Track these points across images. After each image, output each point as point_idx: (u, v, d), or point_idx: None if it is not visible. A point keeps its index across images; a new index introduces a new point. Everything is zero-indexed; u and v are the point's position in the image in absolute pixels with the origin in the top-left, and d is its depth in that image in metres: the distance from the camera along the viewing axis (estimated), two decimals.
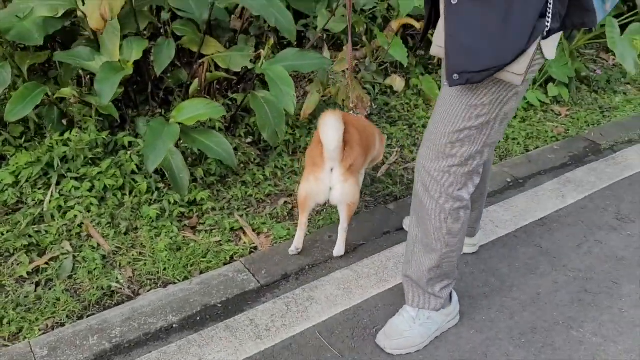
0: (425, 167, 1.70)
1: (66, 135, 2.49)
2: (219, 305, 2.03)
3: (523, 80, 1.47)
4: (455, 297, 1.98)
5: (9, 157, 2.47)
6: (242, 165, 2.81)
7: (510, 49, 1.42)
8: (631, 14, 4.11)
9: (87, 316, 1.96)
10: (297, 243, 2.29)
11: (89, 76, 2.74)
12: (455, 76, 1.49)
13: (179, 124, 2.46)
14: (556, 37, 1.53)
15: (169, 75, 2.92)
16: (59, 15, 2.45)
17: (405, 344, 1.85)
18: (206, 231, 2.43)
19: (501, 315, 2.06)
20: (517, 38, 1.41)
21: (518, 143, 3.36)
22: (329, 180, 2.11)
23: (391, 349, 1.85)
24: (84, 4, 2.44)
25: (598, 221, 2.62)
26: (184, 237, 2.37)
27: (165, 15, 2.78)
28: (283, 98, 2.58)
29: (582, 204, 2.75)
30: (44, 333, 1.87)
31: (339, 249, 2.29)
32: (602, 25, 4.09)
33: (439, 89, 3.81)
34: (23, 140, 2.56)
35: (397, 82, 3.60)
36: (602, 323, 2.04)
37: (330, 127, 2.04)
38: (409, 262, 1.85)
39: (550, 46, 1.52)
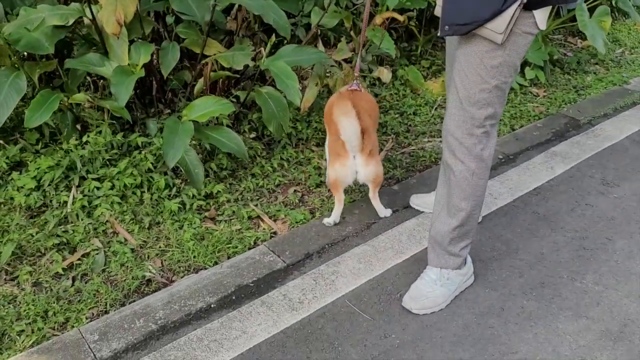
0: (450, 132, 1.90)
1: (84, 138, 2.58)
2: (252, 285, 2.15)
3: (504, 39, 1.71)
4: (469, 259, 2.15)
5: (28, 163, 2.55)
6: (249, 159, 2.94)
7: (488, 8, 1.68)
8: None
9: (129, 303, 2.06)
10: (335, 217, 2.51)
11: (101, 81, 2.83)
12: (446, 27, 1.77)
13: (193, 121, 2.58)
14: (546, 10, 1.76)
15: (172, 76, 3.03)
16: (69, 23, 2.54)
17: (429, 304, 2.03)
18: (225, 221, 2.55)
19: (511, 274, 2.24)
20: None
21: (504, 123, 3.57)
22: (354, 166, 2.35)
23: (417, 310, 2.02)
24: (91, 12, 2.55)
25: (587, 187, 2.83)
26: (206, 227, 2.49)
27: (170, 19, 2.89)
28: (289, 92, 2.73)
29: (570, 173, 2.96)
30: (90, 321, 1.97)
31: (383, 212, 2.57)
32: (569, 11, 4.38)
33: (424, 78, 4.03)
34: (39, 146, 2.64)
35: (384, 73, 3.78)
36: (601, 274, 2.24)
37: (349, 127, 2.24)
38: (434, 223, 2.05)
39: (541, 17, 1.75)
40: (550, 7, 1.78)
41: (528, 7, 1.70)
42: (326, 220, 2.51)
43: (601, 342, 1.91)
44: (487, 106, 1.83)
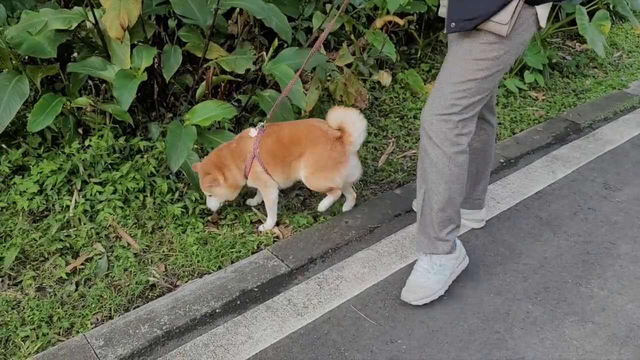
0: (427, 119, 1.96)
1: (86, 142, 2.57)
2: (256, 289, 2.15)
3: (509, 30, 1.77)
4: (458, 242, 2.19)
5: (30, 167, 2.53)
6: None
7: (494, 1, 1.74)
8: (592, 3, 4.43)
9: (134, 308, 2.05)
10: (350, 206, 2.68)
11: (103, 85, 2.82)
12: (453, 24, 1.81)
13: (195, 125, 2.57)
14: (546, 8, 1.83)
15: (174, 80, 3.02)
16: (72, 27, 2.53)
17: (427, 293, 2.07)
18: (228, 225, 2.54)
19: (515, 279, 2.24)
20: None
21: (505, 127, 3.58)
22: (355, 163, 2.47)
23: (416, 301, 2.06)
24: (94, 16, 2.54)
25: (589, 191, 2.84)
26: (209, 232, 2.48)
27: (172, 23, 2.89)
28: (294, 95, 2.73)
29: (572, 177, 2.97)
30: (95, 326, 1.96)
31: (349, 205, 2.67)
32: (568, 14, 4.40)
33: (424, 82, 4.04)
34: (42, 150, 2.63)
35: (384, 77, 3.79)
36: (606, 279, 2.24)
37: (361, 123, 2.35)
38: (419, 211, 2.11)
39: (542, 14, 1.83)
40: (551, 4, 1.83)
41: (531, 1, 1.77)
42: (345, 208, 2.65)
43: (607, 347, 1.92)
44: (472, 95, 1.89)
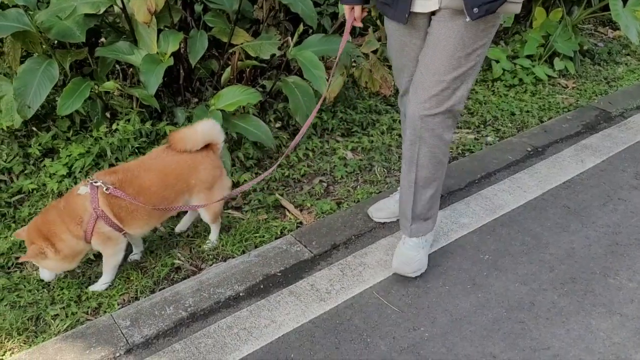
0: (423, 114, 1.90)
1: (113, 126, 2.60)
2: (279, 274, 2.16)
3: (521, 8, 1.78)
4: None
5: (59, 150, 2.58)
6: (275, 149, 2.94)
7: None
8: None
9: (159, 290, 2.08)
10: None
11: (130, 69, 2.85)
12: (476, 9, 1.70)
13: (221, 110, 2.58)
14: None
15: (200, 65, 3.03)
16: (101, 12, 2.55)
17: (421, 265, 2.14)
18: (252, 210, 2.55)
19: (542, 268, 2.21)
20: None
21: (532, 115, 3.51)
22: None
23: (412, 272, 2.12)
24: (122, 0, 2.56)
25: (619, 181, 2.78)
26: (233, 216, 2.50)
27: (198, 8, 2.89)
28: (316, 81, 2.72)
29: (602, 167, 2.90)
30: (122, 307, 2.00)
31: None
32: (601, 0, 4.27)
33: None
34: (70, 133, 2.67)
35: None
36: (635, 270, 2.19)
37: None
38: (408, 202, 2.10)
39: None
40: None
41: None
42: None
43: (636, 340, 1.88)
44: (466, 82, 1.88)
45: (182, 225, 2.37)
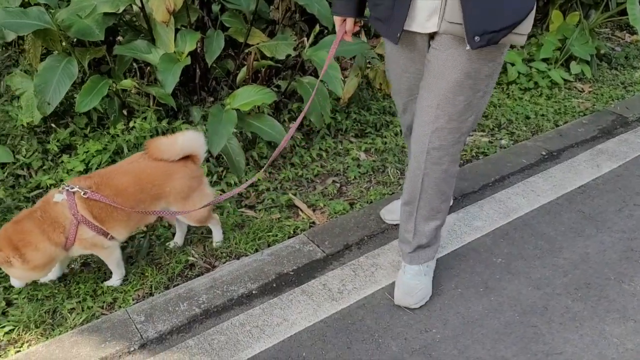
0: (434, 144, 1.80)
1: (130, 124, 2.64)
2: (292, 273, 2.17)
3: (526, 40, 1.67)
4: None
5: (77, 146, 2.62)
6: (289, 148, 2.96)
7: (523, 7, 1.58)
8: None
9: (173, 286, 2.11)
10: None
11: (147, 68, 2.88)
12: (477, 38, 1.57)
13: (236, 110, 2.60)
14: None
15: (216, 65, 3.06)
16: (120, 11, 2.59)
17: (424, 294, 2.04)
18: (265, 209, 2.57)
19: (555, 273, 2.20)
20: None
21: (547, 119, 3.49)
22: None
23: (415, 304, 2.01)
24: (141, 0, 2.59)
25: (635, 187, 2.75)
26: (246, 215, 2.52)
27: (215, 8, 2.92)
28: (331, 82, 2.73)
29: (618, 172, 2.88)
30: (137, 302, 2.02)
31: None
32: (618, 4, 4.23)
33: None
34: (88, 130, 2.71)
35: None
36: None
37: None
38: (411, 232, 2.00)
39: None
40: None
41: None
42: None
43: None
44: (474, 113, 1.80)
45: (177, 239, 2.33)
